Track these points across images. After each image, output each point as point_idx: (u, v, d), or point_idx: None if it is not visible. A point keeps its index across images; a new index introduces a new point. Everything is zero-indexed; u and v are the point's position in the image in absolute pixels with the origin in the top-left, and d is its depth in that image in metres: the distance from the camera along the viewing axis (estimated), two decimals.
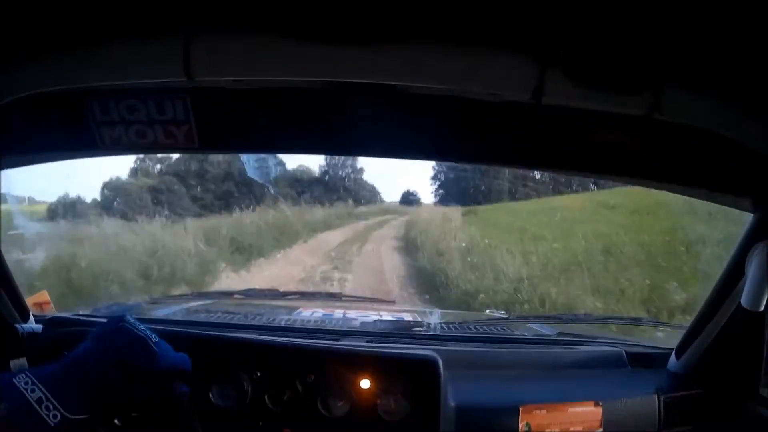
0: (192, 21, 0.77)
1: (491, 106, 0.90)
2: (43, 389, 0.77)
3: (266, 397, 1.04)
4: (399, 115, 0.97)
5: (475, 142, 0.99)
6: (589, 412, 1.07)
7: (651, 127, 0.88)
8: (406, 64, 0.79)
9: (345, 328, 1.34)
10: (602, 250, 5.38)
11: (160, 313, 1.45)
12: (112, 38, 0.79)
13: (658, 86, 0.78)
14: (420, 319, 1.46)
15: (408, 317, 1.48)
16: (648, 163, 0.97)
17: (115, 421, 0.91)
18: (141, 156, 8.81)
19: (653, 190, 1.28)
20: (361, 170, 10.78)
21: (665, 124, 0.85)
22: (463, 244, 6.39)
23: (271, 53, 0.79)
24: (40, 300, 1.38)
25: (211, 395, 1.04)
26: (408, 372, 1.06)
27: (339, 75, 0.81)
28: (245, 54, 0.80)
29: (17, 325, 1.16)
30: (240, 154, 1.47)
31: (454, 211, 8.11)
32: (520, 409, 1.06)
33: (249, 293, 1.72)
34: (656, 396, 1.10)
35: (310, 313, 1.47)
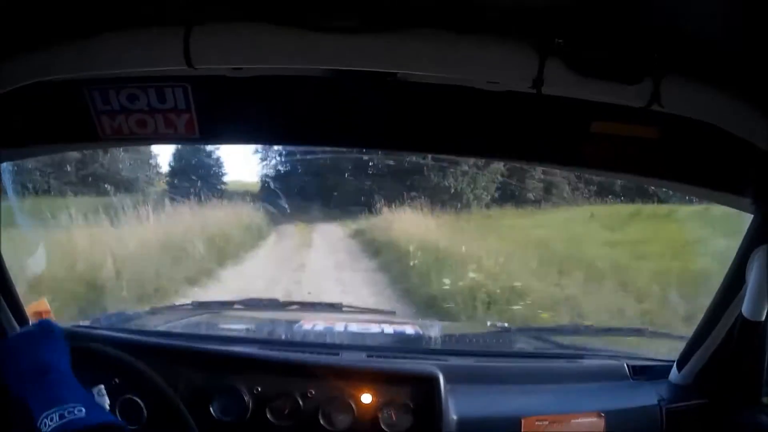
0: (192, 9, 0.78)
1: (491, 96, 0.90)
2: None
3: (267, 410, 1.04)
4: (399, 105, 0.96)
5: (475, 134, 0.99)
6: (591, 423, 1.06)
7: (651, 120, 0.88)
8: (405, 52, 0.80)
9: (345, 342, 1.34)
10: None
11: (161, 324, 1.45)
12: (111, 26, 0.80)
13: (658, 76, 0.78)
14: (421, 332, 1.45)
15: (409, 330, 1.48)
16: (649, 159, 0.96)
17: None
18: None
19: None
20: None
21: (666, 118, 0.85)
22: None
23: (271, 41, 0.79)
24: (39, 309, 1.37)
25: (211, 409, 1.04)
26: (409, 386, 1.05)
27: (338, 62, 0.82)
28: (245, 42, 0.80)
29: None
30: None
31: None
32: (522, 421, 1.05)
33: (249, 303, 1.72)
34: (659, 407, 1.10)
35: (311, 325, 1.46)
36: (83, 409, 0.81)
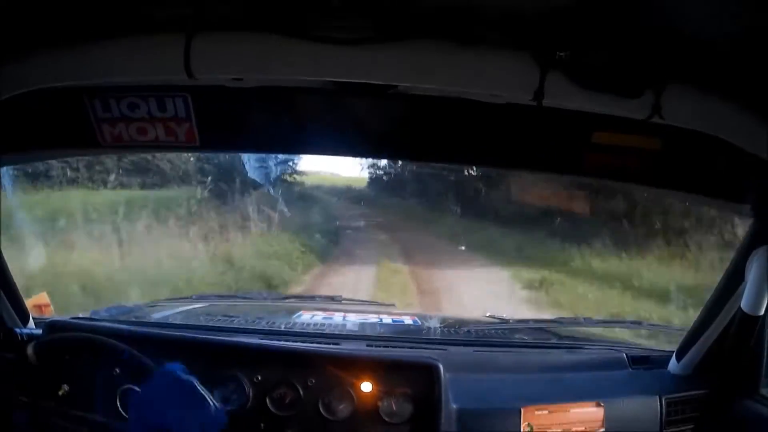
0: (192, 19, 0.78)
1: (492, 108, 0.90)
2: None
3: (267, 399, 1.04)
4: (399, 116, 0.97)
5: (476, 145, 0.99)
6: (591, 412, 1.07)
7: (653, 130, 0.88)
8: (406, 64, 0.80)
9: (345, 332, 1.34)
10: None
11: (160, 316, 1.45)
12: (113, 35, 0.80)
13: (659, 89, 0.79)
14: (420, 323, 1.45)
15: (408, 321, 1.48)
16: (650, 168, 0.97)
17: None
18: None
19: None
20: None
21: (666, 129, 0.86)
22: None
23: (271, 52, 0.80)
24: (39, 302, 1.37)
25: (212, 398, 1.04)
26: (409, 375, 1.06)
27: (339, 74, 0.82)
28: (245, 52, 0.80)
29: (16, 329, 1.16)
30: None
31: None
32: (522, 410, 1.06)
33: (249, 296, 1.72)
34: (658, 397, 1.11)
35: (310, 316, 1.47)
36: None
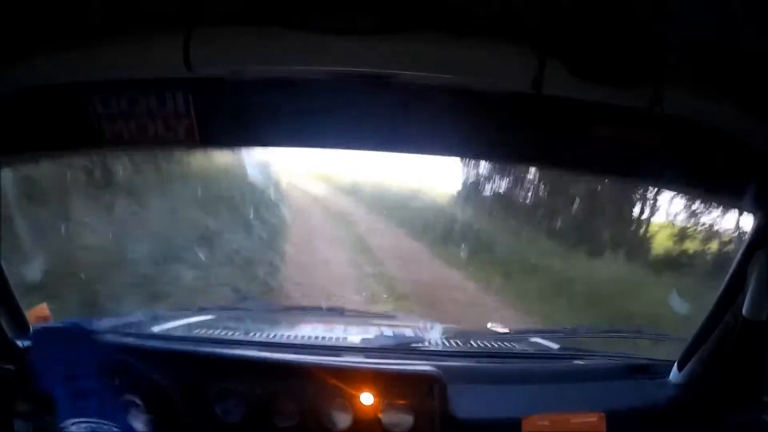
0: (191, 11, 0.79)
1: (492, 98, 0.90)
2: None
3: (268, 412, 1.04)
4: (399, 107, 0.96)
5: (476, 136, 0.99)
6: (591, 422, 1.06)
7: (652, 123, 0.88)
8: (405, 53, 0.81)
9: (346, 344, 1.34)
10: None
11: (161, 328, 1.45)
12: (112, 31, 0.81)
13: (659, 79, 0.79)
14: (421, 335, 1.45)
15: (409, 332, 1.48)
16: (650, 162, 0.96)
17: None
18: None
19: None
20: None
21: (667, 121, 0.86)
22: None
23: (270, 43, 0.80)
24: (40, 314, 1.37)
25: (213, 411, 1.04)
26: (410, 386, 1.05)
27: (338, 64, 0.83)
28: (244, 44, 0.81)
29: (16, 340, 1.16)
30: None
31: None
32: (522, 420, 1.05)
33: (250, 307, 1.72)
34: (659, 406, 1.10)
35: (311, 328, 1.47)
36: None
